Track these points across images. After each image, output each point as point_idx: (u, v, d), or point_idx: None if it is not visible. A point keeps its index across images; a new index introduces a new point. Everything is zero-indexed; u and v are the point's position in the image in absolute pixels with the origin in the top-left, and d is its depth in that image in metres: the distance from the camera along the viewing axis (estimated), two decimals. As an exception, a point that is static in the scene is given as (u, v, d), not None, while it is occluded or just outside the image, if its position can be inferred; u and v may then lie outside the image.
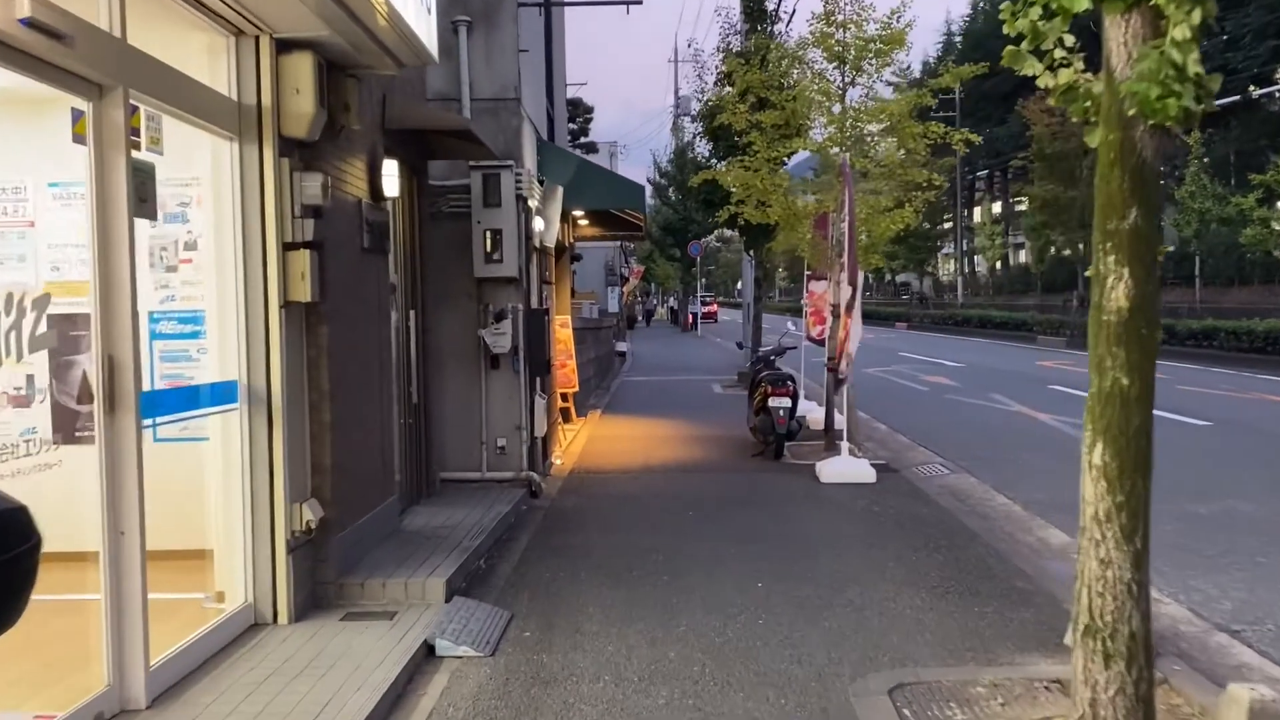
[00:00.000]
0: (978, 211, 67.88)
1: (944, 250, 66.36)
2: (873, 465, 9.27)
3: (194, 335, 5.15)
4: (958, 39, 63.83)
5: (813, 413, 12.26)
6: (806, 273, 14.04)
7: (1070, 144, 32.25)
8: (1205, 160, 37.74)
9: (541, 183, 8.96)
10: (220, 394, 4.90)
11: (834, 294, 10.68)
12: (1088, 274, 3.57)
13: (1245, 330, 20.48)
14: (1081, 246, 35.06)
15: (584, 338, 16.75)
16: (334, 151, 5.56)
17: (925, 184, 9.92)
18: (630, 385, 19.89)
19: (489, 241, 8.03)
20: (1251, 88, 40.81)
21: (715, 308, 70.67)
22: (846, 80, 10.32)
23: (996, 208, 65.98)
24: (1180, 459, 10.13)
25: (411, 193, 7.65)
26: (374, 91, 6.36)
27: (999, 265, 63.66)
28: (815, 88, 10.07)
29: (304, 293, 5.04)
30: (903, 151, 9.87)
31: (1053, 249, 52.61)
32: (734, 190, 11.28)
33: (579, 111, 40.56)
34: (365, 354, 6.03)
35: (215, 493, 5.02)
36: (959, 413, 14.46)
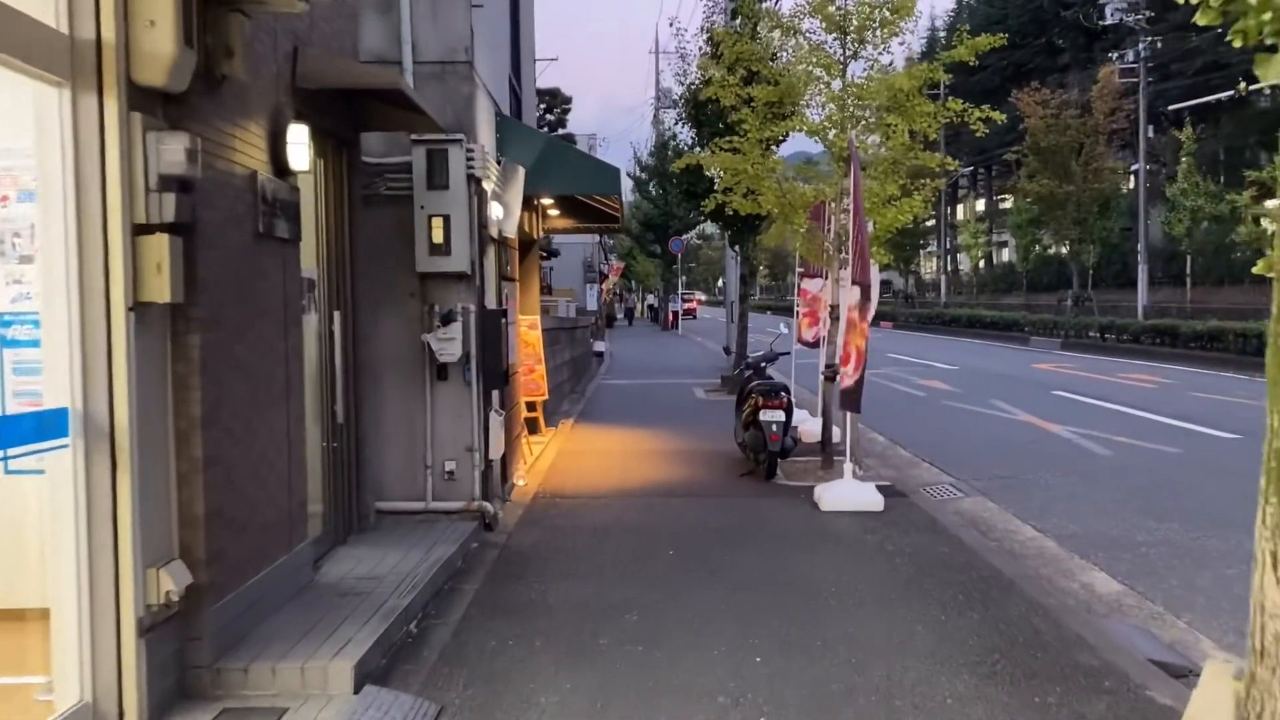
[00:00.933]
0: (960, 209, 67.02)
1: (928, 248, 65.47)
2: (877, 487, 8.10)
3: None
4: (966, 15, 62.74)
5: (805, 424, 11.07)
6: (798, 270, 12.89)
7: (1065, 137, 31.28)
8: (1195, 157, 36.81)
9: (500, 163, 7.72)
10: (43, 426, 3.65)
11: (832, 294, 9.51)
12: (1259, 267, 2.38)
13: (1256, 333, 19.45)
14: (1073, 244, 34.18)
15: (557, 339, 15.53)
16: (213, 109, 4.32)
17: (939, 169, 8.76)
18: (607, 389, 18.67)
19: (435, 230, 6.80)
20: (1241, 84, 39.97)
21: (695, 304, 69.81)
22: (848, 53, 9.14)
23: (980, 205, 65.14)
24: (1223, 478, 9.01)
25: (340, 171, 6.41)
26: (281, 42, 5.12)
27: (982, 264, 62.82)
28: (813, 60, 8.86)
29: (162, 291, 3.80)
30: (909, 133, 8.68)
31: (1038, 247, 51.84)
32: (720, 178, 10.06)
33: (556, 102, 39.28)
34: (262, 368, 4.79)
35: (48, 550, 3.79)
36: (961, 422, 13.33)
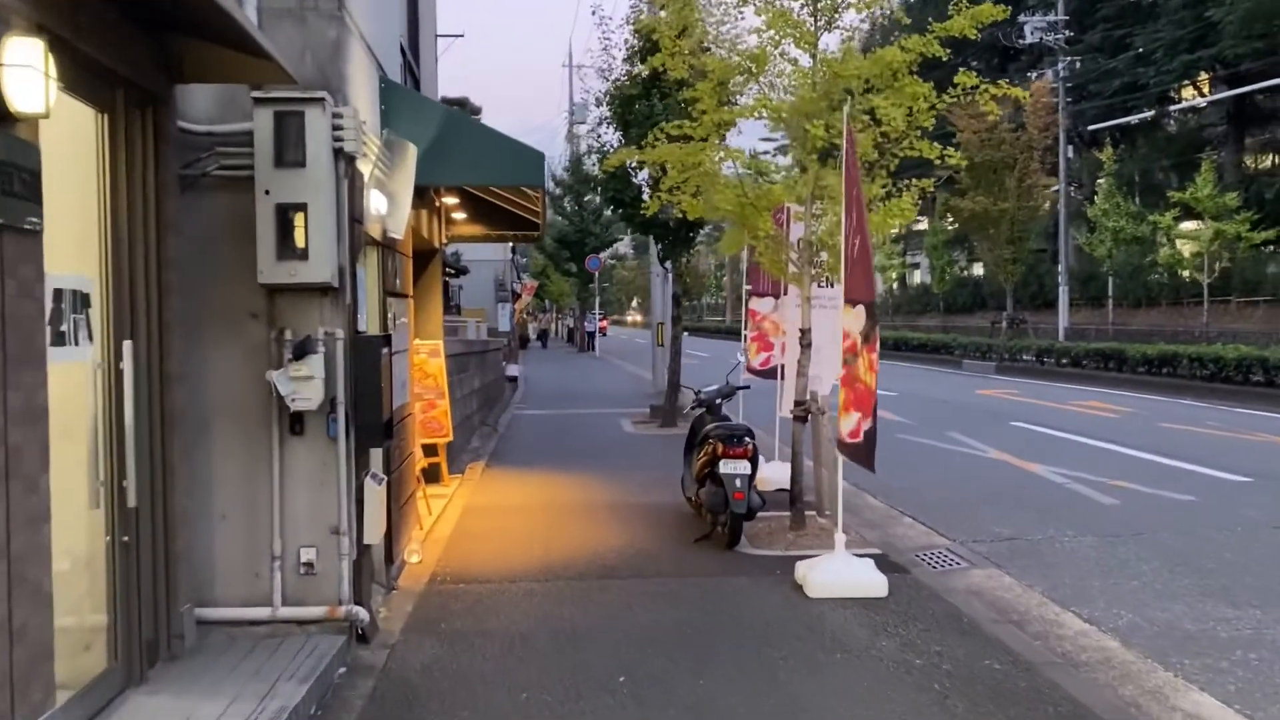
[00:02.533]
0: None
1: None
2: (862, 556, 6.35)
3: None
4: None
5: (763, 468, 9.27)
6: (745, 288, 11.18)
7: (1000, 152, 30.44)
8: (1115, 177, 36.57)
9: (384, 138, 5.77)
10: None
11: (804, 316, 7.76)
12: None
13: (1213, 357, 18.46)
14: (1006, 264, 33.49)
15: (465, 365, 13.52)
16: None
17: (939, 160, 7.12)
18: (523, 421, 16.67)
19: (285, 225, 4.82)
20: (1159, 106, 40.29)
21: (605, 324, 68.65)
22: (820, 23, 7.45)
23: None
24: (1265, 535, 7.52)
25: (141, 136, 4.40)
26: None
27: (896, 285, 62.48)
28: (782, 25, 7.11)
29: None
30: (903, 117, 6.98)
31: (956, 269, 51.49)
32: (662, 177, 8.23)
33: (466, 110, 37.33)
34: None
35: None
36: (926, 460, 11.74)
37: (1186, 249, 32.46)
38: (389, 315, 6.22)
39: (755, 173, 7.42)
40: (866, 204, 7.33)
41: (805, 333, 7.72)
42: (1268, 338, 24.65)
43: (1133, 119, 37.14)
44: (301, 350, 4.86)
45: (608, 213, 43.67)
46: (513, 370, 24.16)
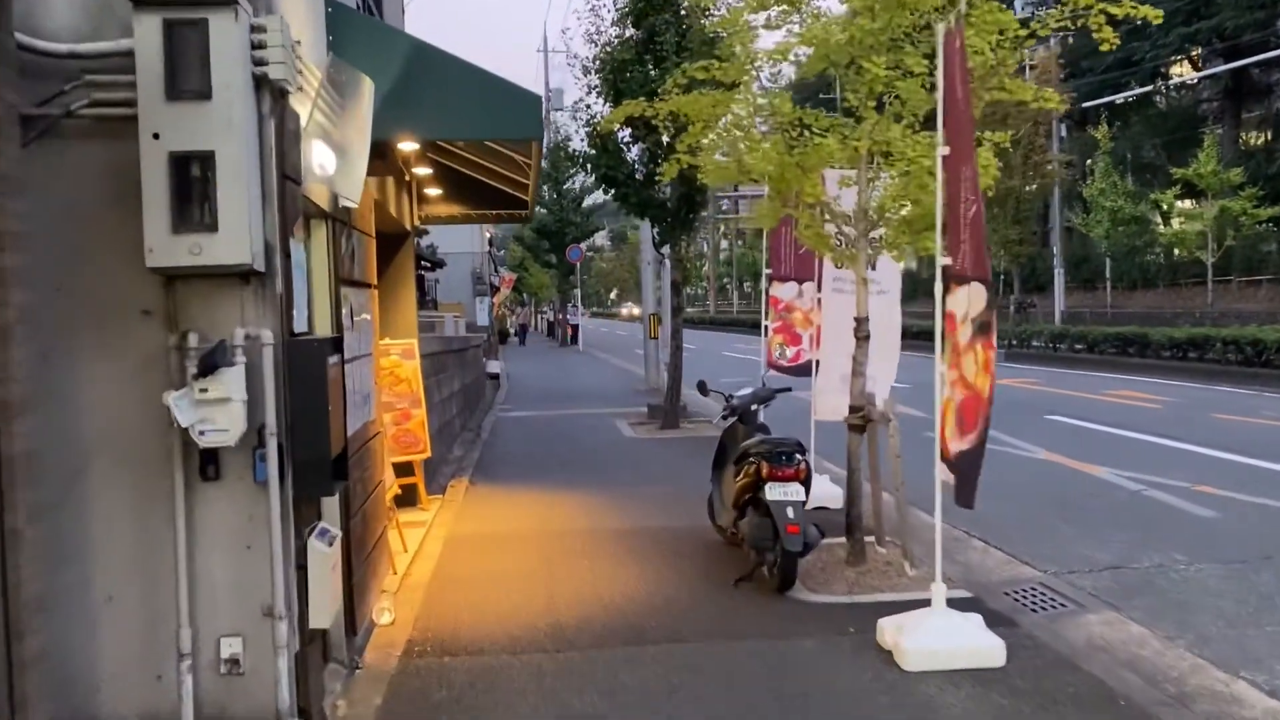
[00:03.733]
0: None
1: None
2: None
3: None
4: None
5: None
6: (765, 272, 9.75)
7: (1007, 126, 29.12)
8: (1111, 156, 35.41)
9: (330, 66, 4.27)
10: None
11: (861, 300, 6.35)
12: None
13: (1250, 340, 17.19)
14: (1011, 245, 32.36)
15: (444, 364, 12.04)
16: None
17: (1035, 103, 5.73)
18: (508, 425, 15.19)
19: (183, 183, 3.35)
20: (1156, 81, 39.21)
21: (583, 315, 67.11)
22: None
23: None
24: None
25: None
26: None
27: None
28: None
29: None
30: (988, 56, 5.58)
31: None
32: (660, 142, 6.77)
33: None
34: None
35: None
36: (971, 464, 10.33)
37: (1190, 228, 31.30)
38: (345, 311, 4.74)
39: (800, 125, 5.98)
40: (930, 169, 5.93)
41: (861, 322, 6.31)
42: (1273, 317, 23.61)
43: (1131, 94, 35.98)
44: (211, 362, 3.39)
45: (599, 193, 42.31)
46: (494, 367, 22.65)
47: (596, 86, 12.99)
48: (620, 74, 12.43)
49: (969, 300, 4.38)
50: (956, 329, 4.57)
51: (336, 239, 4.68)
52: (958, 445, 4.45)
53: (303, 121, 3.91)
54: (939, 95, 4.66)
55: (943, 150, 4.62)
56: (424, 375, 8.89)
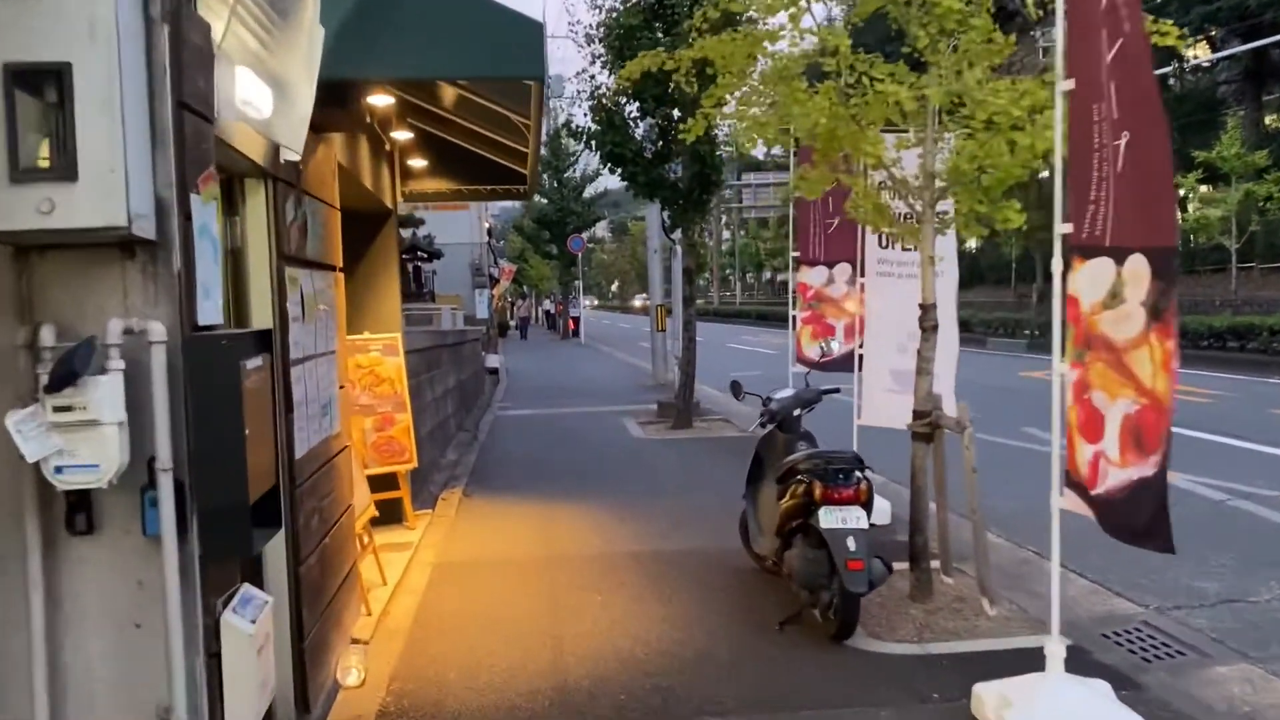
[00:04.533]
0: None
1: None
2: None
3: None
4: None
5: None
6: (792, 255, 8.70)
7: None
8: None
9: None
10: None
11: (925, 287, 5.30)
12: None
13: (1300, 328, 16.15)
14: (1033, 231, 31.21)
15: (438, 360, 11.01)
16: None
17: (1154, 37, 4.70)
18: (508, 424, 14.15)
19: (23, 107, 2.31)
20: (1173, 63, 38.00)
21: (560, 307, 66.14)
22: None
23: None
24: None
25: None
26: None
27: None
28: None
29: None
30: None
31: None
32: (701, 89, 5.74)
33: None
34: None
35: None
36: (1016, 468, 9.27)
37: (1213, 213, 30.20)
38: (285, 297, 3.68)
39: (854, 71, 4.93)
40: (1011, 126, 4.89)
41: (929, 310, 5.26)
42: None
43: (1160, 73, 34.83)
44: (69, 369, 2.34)
45: (600, 182, 41.15)
46: (493, 361, 21.61)
47: (601, 56, 11.93)
48: (627, 41, 11.36)
49: (1128, 277, 3.30)
50: (1081, 317, 3.51)
51: (279, 205, 3.63)
52: (1132, 473, 3.36)
53: (216, 35, 2.86)
54: (1058, 10, 3.61)
55: (1064, 84, 3.56)
56: (412, 373, 7.87)
